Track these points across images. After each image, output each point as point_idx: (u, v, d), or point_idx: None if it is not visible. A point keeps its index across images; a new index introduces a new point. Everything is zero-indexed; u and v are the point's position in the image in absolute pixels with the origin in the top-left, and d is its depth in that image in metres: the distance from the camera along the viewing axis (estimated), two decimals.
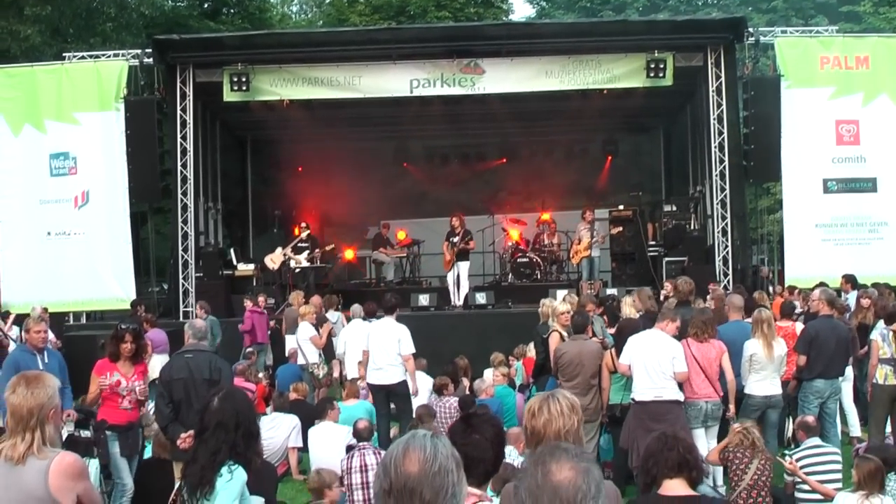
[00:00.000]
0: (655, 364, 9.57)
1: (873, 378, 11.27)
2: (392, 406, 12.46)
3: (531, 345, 13.45)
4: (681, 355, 9.67)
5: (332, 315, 16.51)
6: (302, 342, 15.06)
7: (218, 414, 5.44)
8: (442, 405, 12.06)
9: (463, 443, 4.03)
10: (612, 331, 12.35)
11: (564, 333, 11.43)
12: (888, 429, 11.31)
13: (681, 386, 9.67)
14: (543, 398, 4.61)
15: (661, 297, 15.18)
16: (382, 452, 9.58)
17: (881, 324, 11.55)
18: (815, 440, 9.26)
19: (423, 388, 13.02)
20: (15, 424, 4.61)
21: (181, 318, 18.51)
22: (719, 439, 9.91)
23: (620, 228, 22.16)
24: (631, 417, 9.74)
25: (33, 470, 4.56)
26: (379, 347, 12.33)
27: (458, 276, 20.02)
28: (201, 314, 16.71)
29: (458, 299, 20.00)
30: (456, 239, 20.10)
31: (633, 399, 9.76)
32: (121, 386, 9.08)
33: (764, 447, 8.75)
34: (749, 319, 11.02)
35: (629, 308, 12.40)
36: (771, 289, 19.22)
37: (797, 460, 8.90)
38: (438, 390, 12.62)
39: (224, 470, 5.33)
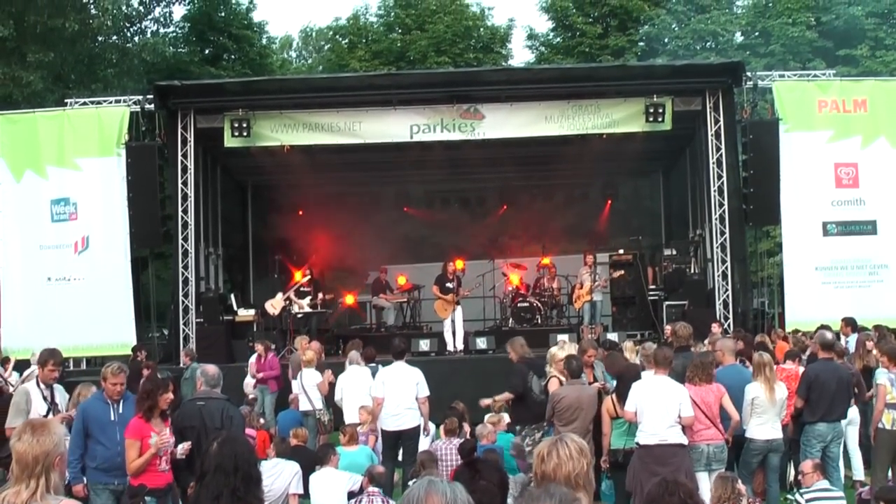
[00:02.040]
0: (662, 409, 9.54)
1: (878, 422, 11.12)
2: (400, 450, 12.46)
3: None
4: (687, 400, 9.65)
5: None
6: (308, 388, 14.95)
7: (216, 458, 5.39)
8: (450, 447, 11.97)
9: (471, 489, 4.02)
10: None
11: (563, 379, 11.42)
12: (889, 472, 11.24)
13: (684, 429, 9.64)
14: (552, 443, 4.63)
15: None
16: (390, 500, 9.53)
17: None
18: (825, 483, 9.23)
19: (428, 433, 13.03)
20: (20, 472, 4.60)
21: (181, 364, 18.44)
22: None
23: (622, 272, 22.13)
24: (636, 461, 9.68)
25: None
26: (396, 392, 12.33)
27: (454, 321, 20.02)
28: (187, 361, 16.65)
29: (455, 345, 19.95)
30: (451, 285, 20.15)
31: (637, 443, 9.72)
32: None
33: (745, 493, 8.67)
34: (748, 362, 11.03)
35: (630, 353, 12.39)
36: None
37: (807, 501, 8.86)
38: (450, 432, 12.54)
39: None
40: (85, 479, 9.00)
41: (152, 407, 8.59)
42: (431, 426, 12.99)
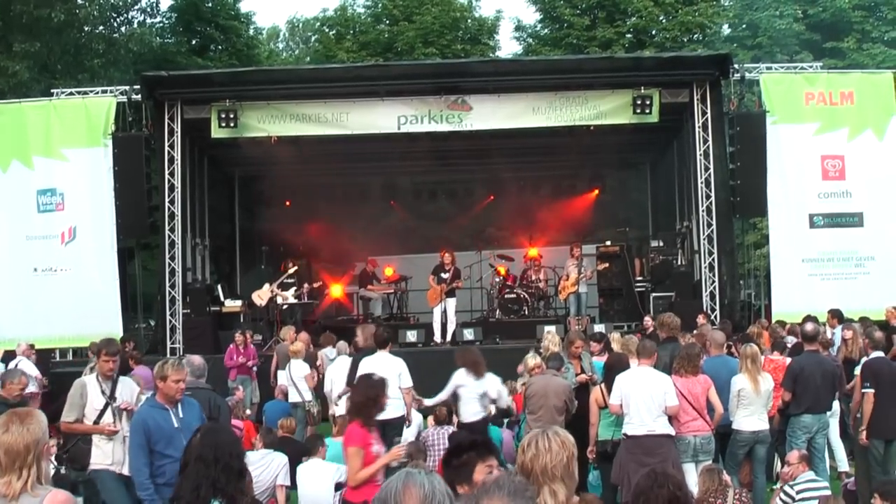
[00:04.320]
0: (647, 399, 9.58)
1: (857, 413, 11.22)
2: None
3: (519, 381, 13.43)
4: (672, 390, 9.69)
5: (331, 352, 16.23)
6: (297, 380, 14.94)
7: (197, 448, 5.34)
8: (440, 435, 11.98)
9: None
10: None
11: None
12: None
13: (671, 420, 9.68)
14: (533, 435, 4.67)
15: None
16: None
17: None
18: (811, 474, 9.26)
19: (412, 424, 13.01)
20: (10, 462, 4.57)
21: (168, 355, 18.40)
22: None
23: (609, 264, 22.16)
24: (623, 452, 9.72)
25: None
26: None
27: (445, 312, 19.99)
28: (90, 355, 16.57)
29: (443, 336, 19.93)
30: (445, 275, 20.08)
31: (624, 434, 9.74)
32: None
33: (731, 483, 8.70)
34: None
35: (618, 344, 12.42)
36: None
37: (797, 492, 8.89)
38: (440, 421, 12.54)
39: None
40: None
41: (373, 414, 8.00)
42: (417, 416, 12.98)
